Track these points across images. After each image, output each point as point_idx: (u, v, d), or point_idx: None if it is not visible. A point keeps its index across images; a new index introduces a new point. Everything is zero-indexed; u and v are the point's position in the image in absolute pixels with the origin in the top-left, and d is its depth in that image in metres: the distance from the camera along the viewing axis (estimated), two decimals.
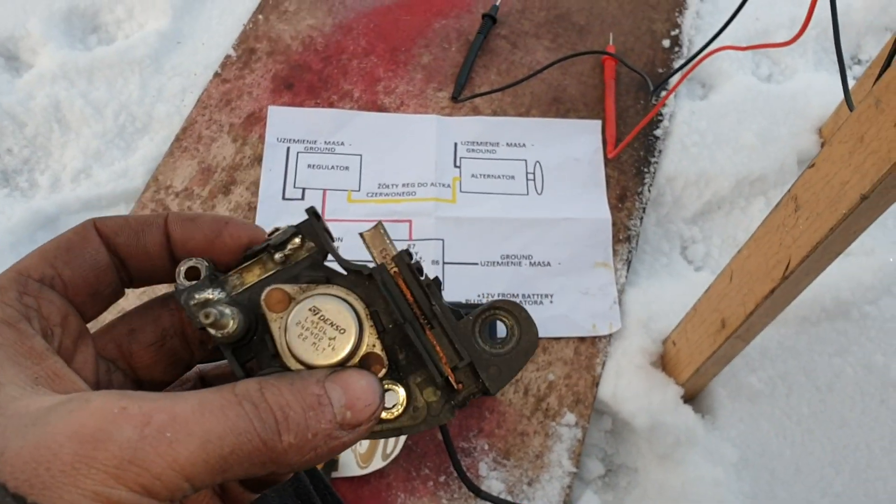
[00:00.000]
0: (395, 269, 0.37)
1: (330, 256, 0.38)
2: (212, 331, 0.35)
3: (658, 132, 1.27)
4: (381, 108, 1.25)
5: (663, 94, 1.30)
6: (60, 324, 0.35)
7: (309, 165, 1.19)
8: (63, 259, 0.36)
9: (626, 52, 1.34)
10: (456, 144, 1.22)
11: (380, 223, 0.38)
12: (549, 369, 1.06)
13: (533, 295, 1.11)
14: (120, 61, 1.29)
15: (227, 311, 0.35)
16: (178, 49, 1.33)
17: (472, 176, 1.19)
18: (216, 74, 1.28)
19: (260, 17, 1.35)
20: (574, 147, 1.23)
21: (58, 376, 0.32)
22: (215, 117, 1.24)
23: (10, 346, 0.32)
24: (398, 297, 0.36)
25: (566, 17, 1.38)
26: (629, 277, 1.15)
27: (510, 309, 0.37)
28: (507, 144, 1.23)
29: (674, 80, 1.32)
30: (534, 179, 1.20)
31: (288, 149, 1.20)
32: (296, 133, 1.22)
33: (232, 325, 0.35)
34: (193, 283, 0.36)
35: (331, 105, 1.25)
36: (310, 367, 0.35)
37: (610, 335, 1.09)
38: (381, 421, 0.36)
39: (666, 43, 1.36)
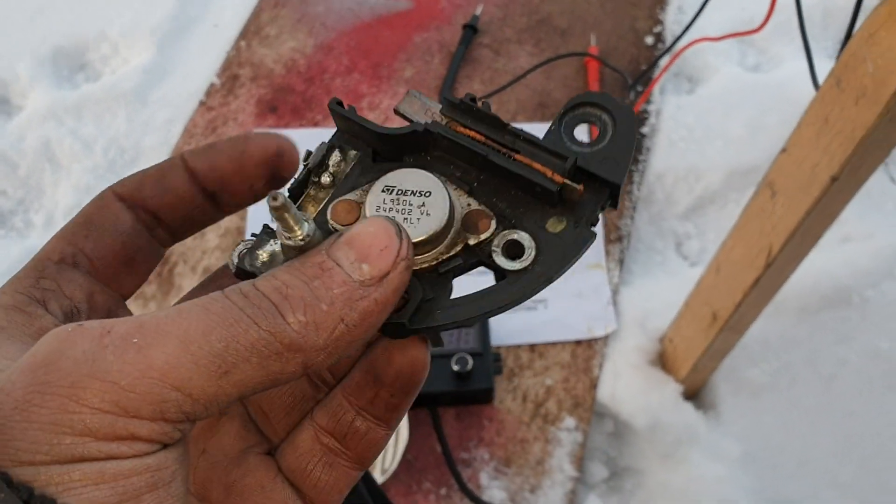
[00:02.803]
0: (450, 121, 0.32)
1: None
2: (287, 241, 0.29)
3: (645, 129, 1.26)
4: None
5: (643, 90, 1.29)
6: (86, 300, 0.32)
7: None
8: (82, 234, 0.33)
9: (609, 51, 1.33)
10: None
11: (409, 90, 0.34)
12: (546, 374, 1.05)
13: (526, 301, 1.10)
14: (107, 97, 1.31)
15: (301, 213, 0.30)
16: (163, 81, 1.34)
17: None
18: (201, 103, 1.29)
19: (242, 43, 1.36)
20: None
21: None
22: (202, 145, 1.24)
23: (17, 328, 0.29)
24: (469, 142, 0.32)
25: (547, 21, 1.38)
26: (624, 277, 1.14)
27: (586, 101, 0.33)
28: None
29: (657, 74, 1.32)
30: None
31: None
32: None
33: (306, 228, 0.29)
34: (248, 245, 0.32)
35: (315, 125, 1.25)
36: (415, 248, 0.30)
37: (606, 336, 1.08)
38: (515, 275, 0.31)
39: (649, 40, 1.35)
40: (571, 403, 1.04)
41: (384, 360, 0.33)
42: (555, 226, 0.31)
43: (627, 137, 0.32)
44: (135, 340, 0.25)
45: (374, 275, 0.28)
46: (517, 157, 0.32)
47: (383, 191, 0.31)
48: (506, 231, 0.31)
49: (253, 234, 0.32)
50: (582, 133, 0.33)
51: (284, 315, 0.26)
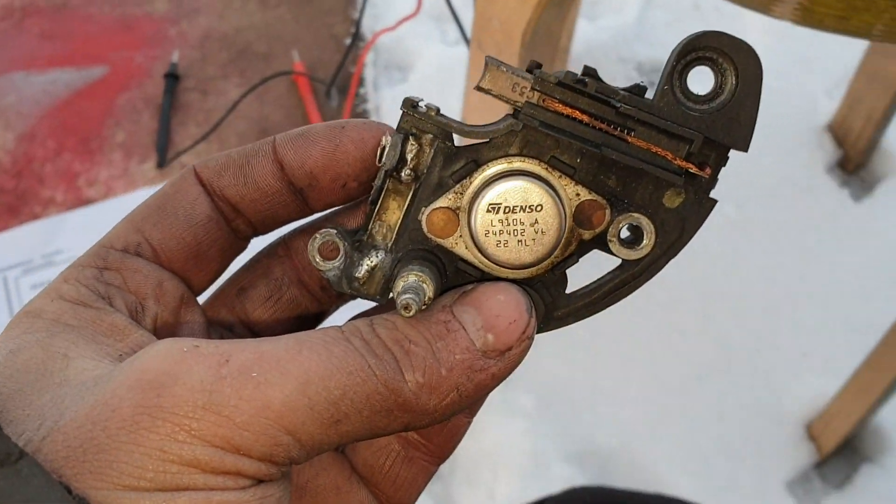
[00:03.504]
0: (543, 97, 0.28)
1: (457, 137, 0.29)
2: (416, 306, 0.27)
3: None
4: (90, 201, 1.19)
5: (335, 90, 1.31)
6: (153, 295, 0.30)
7: (33, 286, 1.12)
8: (152, 220, 0.30)
9: (315, 63, 1.34)
10: None
11: (487, 59, 0.29)
12: None
13: None
14: None
15: (413, 278, 0.27)
16: None
17: None
18: None
19: None
20: None
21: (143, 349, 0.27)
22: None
23: (88, 326, 0.27)
24: (570, 128, 0.28)
25: (248, 50, 1.37)
26: None
27: (697, 45, 0.28)
28: None
29: (368, 72, 1.34)
30: None
31: (5, 278, 1.13)
32: (7, 260, 1.14)
33: (429, 290, 0.27)
34: (337, 261, 0.29)
35: (35, 218, 1.18)
36: (524, 267, 0.28)
37: None
38: (634, 262, 0.29)
39: (349, 41, 1.37)
40: None
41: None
42: (672, 200, 0.29)
43: (753, 88, 0.28)
44: (254, 374, 0.23)
45: (497, 347, 0.26)
46: (631, 139, 0.28)
47: (489, 211, 0.28)
48: (621, 217, 0.29)
49: (333, 227, 0.30)
50: (698, 81, 0.29)
51: (404, 371, 0.25)
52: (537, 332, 0.29)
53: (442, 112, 0.29)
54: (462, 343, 0.26)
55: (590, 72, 0.28)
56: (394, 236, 0.29)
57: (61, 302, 0.28)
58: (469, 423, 0.32)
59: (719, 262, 1.16)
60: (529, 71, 0.29)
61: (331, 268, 0.29)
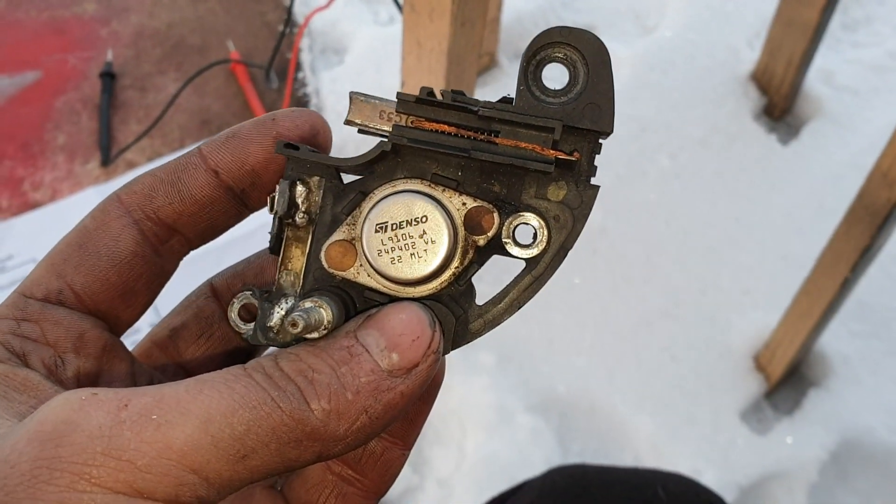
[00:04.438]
0: (410, 118, 0.29)
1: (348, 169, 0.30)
2: (313, 335, 0.27)
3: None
4: (36, 205, 1.19)
5: (276, 75, 1.33)
6: (73, 348, 0.29)
7: None
8: (73, 263, 0.29)
9: (250, 52, 1.35)
10: None
11: (351, 94, 0.30)
12: None
13: None
14: None
15: (309, 303, 0.28)
16: None
17: None
18: None
19: None
20: None
21: None
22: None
23: (0, 381, 0.26)
24: (438, 140, 0.29)
25: (182, 43, 1.37)
26: None
27: (544, 42, 0.29)
28: None
29: (305, 57, 1.36)
30: None
31: None
32: None
33: (327, 314, 0.28)
34: (251, 323, 0.30)
35: None
36: (425, 281, 0.29)
37: None
38: (534, 260, 0.29)
39: (282, 27, 1.38)
40: None
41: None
42: (556, 193, 0.29)
43: (603, 73, 0.29)
44: (154, 417, 0.23)
45: (403, 366, 0.26)
46: (499, 140, 0.29)
47: (377, 231, 0.29)
48: (510, 218, 0.29)
49: (246, 288, 0.30)
50: (552, 77, 0.30)
51: (309, 401, 0.25)
52: (454, 347, 0.29)
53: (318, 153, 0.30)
54: (366, 366, 0.26)
55: (444, 91, 0.29)
56: (301, 281, 0.30)
57: None
58: (404, 455, 0.32)
59: (658, 211, 1.21)
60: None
61: (250, 328, 0.30)
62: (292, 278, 0.30)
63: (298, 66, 1.33)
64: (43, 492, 0.22)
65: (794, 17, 1.18)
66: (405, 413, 0.27)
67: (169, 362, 0.33)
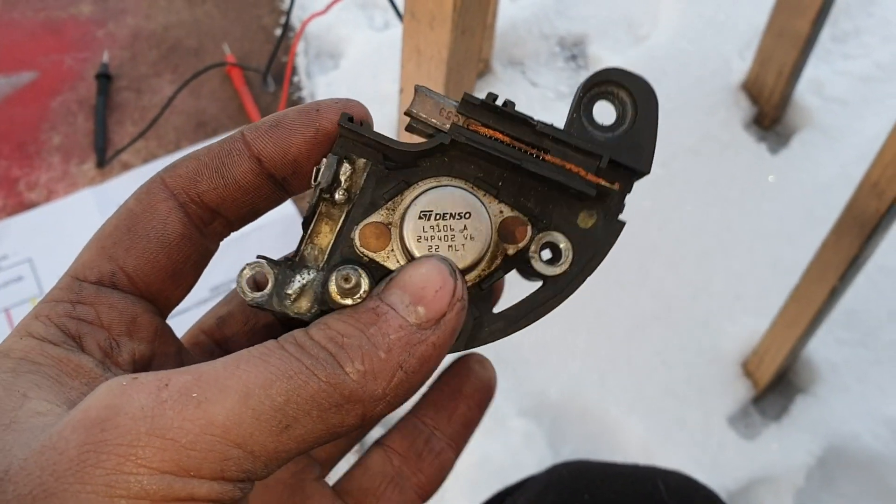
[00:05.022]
0: (468, 120, 0.30)
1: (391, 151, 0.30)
2: (347, 301, 0.28)
3: None
4: (32, 205, 1.19)
5: (273, 79, 1.33)
6: (127, 332, 0.29)
7: None
8: (124, 245, 0.29)
9: (246, 55, 1.36)
10: None
11: (417, 87, 0.31)
12: None
13: None
14: None
15: (350, 269, 0.28)
16: None
17: None
18: None
19: None
20: None
21: None
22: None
23: (54, 365, 0.27)
24: (493, 145, 0.30)
25: (178, 46, 1.37)
26: None
27: (601, 80, 0.31)
28: None
29: (301, 61, 1.37)
30: None
31: None
32: None
33: (366, 282, 0.28)
34: (267, 289, 0.29)
35: None
36: (463, 273, 0.29)
37: None
38: (553, 280, 0.30)
39: (278, 32, 1.39)
40: None
41: (464, 374, 0.33)
42: (586, 221, 0.31)
43: (650, 117, 0.30)
44: (194, 395, 0.23)
45: (430, 317, 0.27)
46: (548, 158, 0.30)
47: (420, 217, 0.29)
48: (541, 234, 0.31)
49: (260, 257, 0.30)
50: (602, 113, 0.32)
51: (343, 365, 0.25)
52: (467, 348, 0.30)
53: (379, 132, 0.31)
54: (394, 323, 0.26)
55: (507, 101, 0.31)
56: (325, 257, 0.30)
57: (30, 340, 0.27)
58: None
59: (652, 217, 1.22)
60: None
61: (260, 295, 0.30)
62: (317, 252, 0.30)
63: (294, 71, 1.34)
64: (91, 475, 0.22)
65: (786, 29, 1.20)
66: (439, 363, 0.28)
67: (216, 349, 0.34)
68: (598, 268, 0.31)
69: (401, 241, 0.30)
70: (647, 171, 0.31)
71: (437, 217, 0.29)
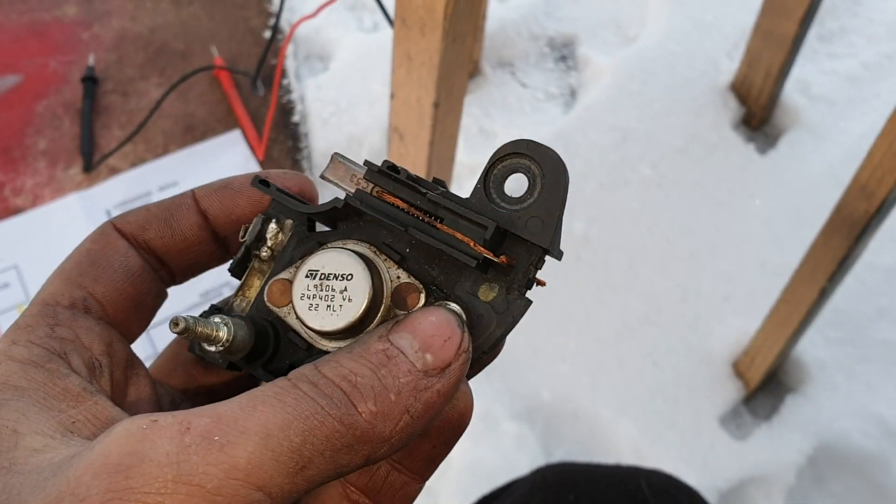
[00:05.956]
0: (375, 187, 0.31)
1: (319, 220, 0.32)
2: (210, 348, 0.30)
3: (296, 118, 1.31)
4: (18, 211, 1.18)
5: (262, 82, 1.33)
6: (106, 353, 0.29)
7: None
8: (91, 275, 0.30)
9: (234, 58, 1.35)
10: (109, 211, 1.18)
11: (334, 154, 0.32)
12: None
13: None
14: None
15: (217, 319, 0.30)
16: None
17: None
18: None
19: None
20: (224, 163, 1.24)
21: (99, 419, 0.26)
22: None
23: (39, 388, 0.26)
24: (385, 210, 0.31)
25: (165, 48, 1.37)
26: None
27: (511, 152, 0.30)
28: (160, 189, 1.21)
29: (289, 63, 1.36)
30: None
31: None
32: None
33: (225, 332, 0.29)
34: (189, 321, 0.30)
35: None
36: (334, 336, 0.30)
37: None
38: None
39: (267, 34, 1.39)
40: None
41: None
42: (487, 294, 0.30)
43: (555, 190, 0.29)
44: (216, 438, 0.23)
45: (437, 365, 0.27)
46: (439, 226, 0.30)
47: (307, 276, 0.30)
48: (437, 302, 0.30)
49: (204, 313, 0.32)
50: (517, 187, 0.31)
51: (356, 404, 0.25)
52: None
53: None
54: (404, 367, 0.27)
55: (401, 169, 0.31)
56: (248, 307, 0.32)
57: (10, 363, 0.27)
58: (421, 488, 0.33)
59: (641, 218, 1.22)
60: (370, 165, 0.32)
61: (185, 326, 0.30)
62: (244, 304, 0.32)
63: (283, 73, 1.34)
64: None
65: (773, 30, 1.20)
66: (441, 412, 0.28)
67: (191, 383, 0.34)
68: (498, 344, 0.30)
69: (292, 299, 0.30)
70: (546, 247, 0.29)
71: (322, 277, 0.30)
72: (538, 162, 0.30)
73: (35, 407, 0.26)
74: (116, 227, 0.32)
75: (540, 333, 1.13)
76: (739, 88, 1.35)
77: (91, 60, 1.32)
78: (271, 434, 0.24)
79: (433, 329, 0.27)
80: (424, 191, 0.31)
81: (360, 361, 0.27)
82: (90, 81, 1.29)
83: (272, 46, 1.31)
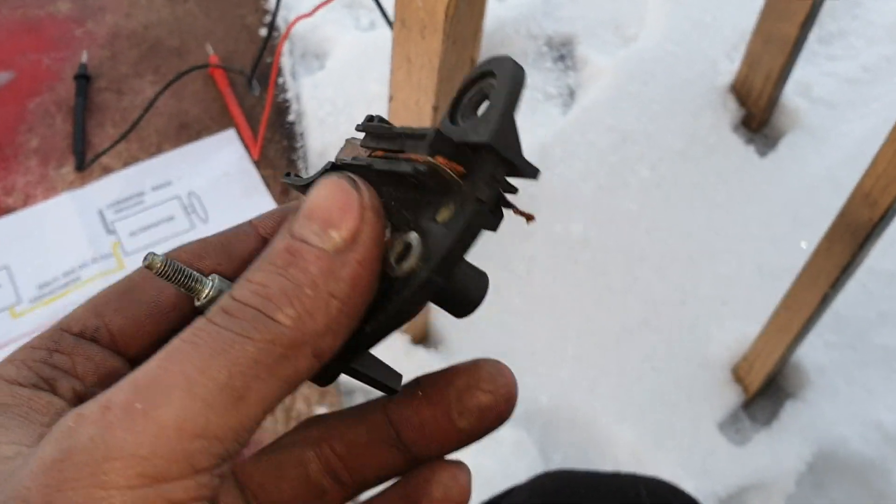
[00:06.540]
0: (369, 151, 0.30)
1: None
2: (197, 302, 0.29)
3: (291, 117, 1.29)
4: (9, 210, 1.17)
5: (258, 81, 1.31)
6: (100, 383, 0.29)
7: None
8: (114, 306, 0.30)
9: (229, 56, 1.34)
10: (101, 211, 1.17)
11: (347, 140, 0.31)
12: None
13: None
14: None
15: (208, 279, 0.29)
16: None
17: (132, 234, 1.15)
18: None
19: None
20: (219, 163, 1.22)
21: None
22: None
23: (24, 404, 0.26)
24: (358, 163, 0.29)
25: (159, 45, 1.35)
26: None
27: (474, 77, 0.28)
28: (153, 189, 1.20)
29: (285, 61, 1.35)
30: (195, 211, 1.18)
31: None
32: None
33: (206, 291, 0.29)
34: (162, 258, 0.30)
35: None
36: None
37: None
38: (404, 281, 0.26)
39: (263, 32, 1.37)
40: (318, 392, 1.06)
41: (426, 490, 0.30)
42: (443, 215, 0.26)
43: (502, 85, 0.26)
44: (138, 406, 0.23)
45: (345, 237, 0.25)
46: (402, 156, 0.28)
47: None
48: (396, 235, 0.27)
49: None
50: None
51: (273, 316, 0.24)
52: (327, 384, 0.29)
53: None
54: (310, 255, 0.25)
55: (373, 116, 0.30)
56: None
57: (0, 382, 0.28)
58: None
59: (639, 221, 1.21)
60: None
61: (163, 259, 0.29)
62: None
63: (279, 72, 1.32)
64: None
65: (773, 32, 1.19)
66: (373, 276, 0.26)
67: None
68: (453, 261, 0.26)
69: None
70: (485, 140, 0.25)
71: None
72: (493, 72, 0.27)
73: (16, 420, 0.26)
74: (169, 257, 0.30)
75: (538, 338, 1.12)
76: (739, 90, 1.34)
77: (84, 57, 1.31)
78: (194, 381, 0.23)
79: (325, 201, 0.26)
80: (393, 130, 0.29)
81: (268, 269, 0.25)
82: (83, 79, 1.28)
83: (268, 44, 1.30)
